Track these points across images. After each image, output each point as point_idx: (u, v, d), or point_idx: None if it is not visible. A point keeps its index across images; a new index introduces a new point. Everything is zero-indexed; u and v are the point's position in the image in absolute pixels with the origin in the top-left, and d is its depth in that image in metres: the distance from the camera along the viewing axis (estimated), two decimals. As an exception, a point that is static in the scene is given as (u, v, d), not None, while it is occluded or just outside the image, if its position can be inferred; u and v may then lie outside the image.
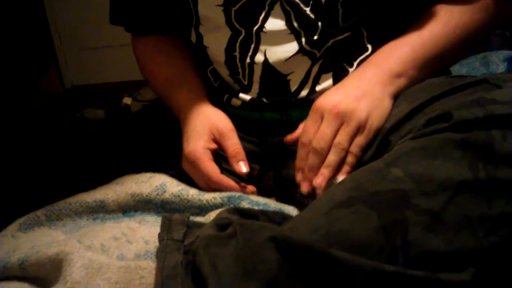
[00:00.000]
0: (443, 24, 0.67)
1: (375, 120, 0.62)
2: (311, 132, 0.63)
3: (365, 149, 0.62)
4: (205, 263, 0.47)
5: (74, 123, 2.11)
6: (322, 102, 0.64)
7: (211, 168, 0.68)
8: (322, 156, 0.62)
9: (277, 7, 0.69)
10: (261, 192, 0.70)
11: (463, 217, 0.45)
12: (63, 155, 0.78)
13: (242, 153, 0.69)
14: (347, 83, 0.66)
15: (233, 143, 0.70)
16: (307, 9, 0.68)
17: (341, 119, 0.62)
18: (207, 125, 0.72)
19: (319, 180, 0.62)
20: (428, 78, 0.66)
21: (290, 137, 0.68)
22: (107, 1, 0.85)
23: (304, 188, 0.64)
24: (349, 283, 0.43)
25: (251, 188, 0.69)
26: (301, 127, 0.68)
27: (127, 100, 2.14)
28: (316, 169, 0.62)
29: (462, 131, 0.48)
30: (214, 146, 0.71)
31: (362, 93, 0.63)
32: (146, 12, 0.83)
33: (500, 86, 0.54)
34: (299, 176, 0.64)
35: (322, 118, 0.63)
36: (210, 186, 0.69)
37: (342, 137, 0.61)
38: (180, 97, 0.78)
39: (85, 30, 2.51)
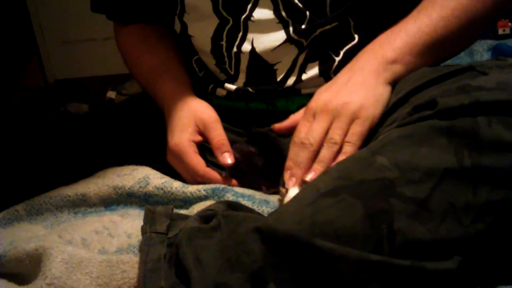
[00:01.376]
0: (439, 8, 0.64)
1: (370, 109, 0.60)
2: (302, 131, 0.62)
3: (363, 138, 0.59)
4: (188, 256, 0.46)
5: (57, 117, 2.08)
6: (314, 102, 0.63)
7: (197, 161, 0.67)
8: (310, 151, 0.60)
9: None
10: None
11: (448, 204, 0.44)
12: (44, 148, 0.77)
13: (226, 145, 0.68)
14: (340, 78, 0.64)
15: (218, 134, 0.69)
16: None
17: (332, 115, 0.60)
18: (192, 117, 0.70)
19: (310, 176, 0.59)
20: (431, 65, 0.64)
21: (278, 126, 0.67)
22: (89, -5, 0.83)
23: (290, 184, 0.60)
24: (334, 273, 0.43)
25: (235, 182, 0.68)
26: (291, 118, 0.66)
27: (111, 94, 2.11)
28: (303, 165, 0.60)
29: (447, 118, 0.48)
30: (199, 138, 0.70)
31: (354, 85, 0.61)
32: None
33: (486, 73, 0.54)
34: (287, 175, 0.61)
35: (314, 117, 0.61)
36: (195, 179, 0.68)
37: (334, 131, 0.60)
38: (164, 88, 0.76)
39: (67, 24, 2.47)
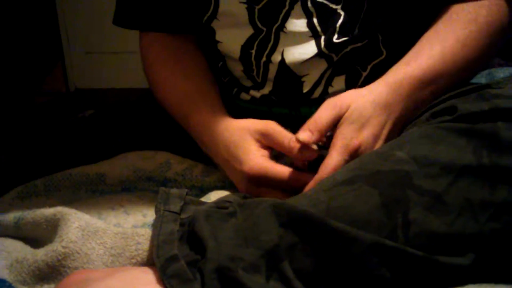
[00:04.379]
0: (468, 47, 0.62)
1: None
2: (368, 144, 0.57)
3: None
4: (205, 229, 0.47)
5: (75, 123, 2.10)
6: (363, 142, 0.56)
7: (286, 170, 0.60)
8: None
9: (298, 7, 0.67)
10: None
11: (465, 200, 0.45)
12: (68, 136, 0.77)
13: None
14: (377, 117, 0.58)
15: (284, 136, 0.61)
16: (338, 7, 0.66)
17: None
18: (245, 133, 0.64)
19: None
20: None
21: (306, 139, 0.57)
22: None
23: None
24: (348, 255, 0.43)
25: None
26: (319, 127, 0.58)
27: (131, 105, 2.13)
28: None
29: (466, 123, 0.49)
30: (266, 152, 0.63)
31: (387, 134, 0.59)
32: (156, 6, 0.78)
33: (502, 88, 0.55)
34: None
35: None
36: (293, 188, 0.59)
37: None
38: (200, 118, 0.70)
39: (93, 35, 2.53)
